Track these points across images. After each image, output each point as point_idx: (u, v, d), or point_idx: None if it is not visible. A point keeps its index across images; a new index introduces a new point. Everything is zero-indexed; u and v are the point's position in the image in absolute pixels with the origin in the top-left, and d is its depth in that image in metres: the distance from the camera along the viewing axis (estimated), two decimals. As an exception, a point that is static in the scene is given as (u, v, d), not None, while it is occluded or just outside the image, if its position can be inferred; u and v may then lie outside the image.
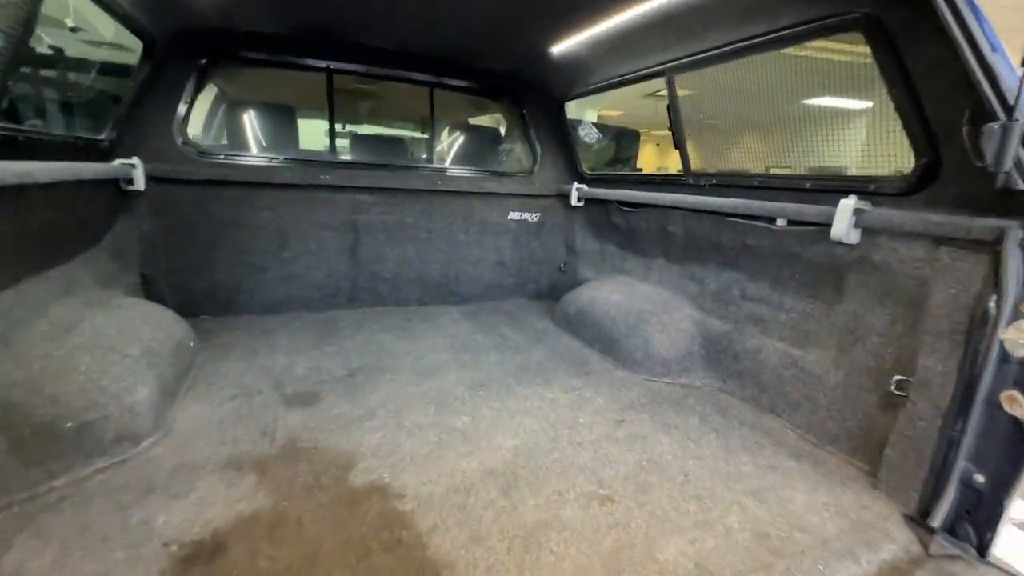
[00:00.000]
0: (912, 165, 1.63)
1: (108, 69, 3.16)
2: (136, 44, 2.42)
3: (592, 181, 3.53)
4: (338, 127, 3.79)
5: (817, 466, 1.73)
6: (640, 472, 1.65)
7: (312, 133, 4.00)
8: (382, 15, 2.55)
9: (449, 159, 3.76)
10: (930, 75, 1.47)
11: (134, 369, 1.74)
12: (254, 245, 3.01)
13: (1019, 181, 1.29)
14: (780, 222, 2.09)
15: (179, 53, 2.68)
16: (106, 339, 1.78)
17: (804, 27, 1.78)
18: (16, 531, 1.25)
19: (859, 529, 1.44)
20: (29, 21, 1.56)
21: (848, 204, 1.70)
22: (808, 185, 1.98)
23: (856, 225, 1.72)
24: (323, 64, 3.08)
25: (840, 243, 1.78)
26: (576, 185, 3.50)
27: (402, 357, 2.54)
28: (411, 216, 3.38)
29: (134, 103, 2.52)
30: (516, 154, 3.92)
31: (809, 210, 1.89)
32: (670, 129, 2.61)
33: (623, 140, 5.42)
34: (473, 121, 4.07)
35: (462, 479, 1.56)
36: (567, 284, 3.78)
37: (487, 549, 1.28)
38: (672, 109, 2.54)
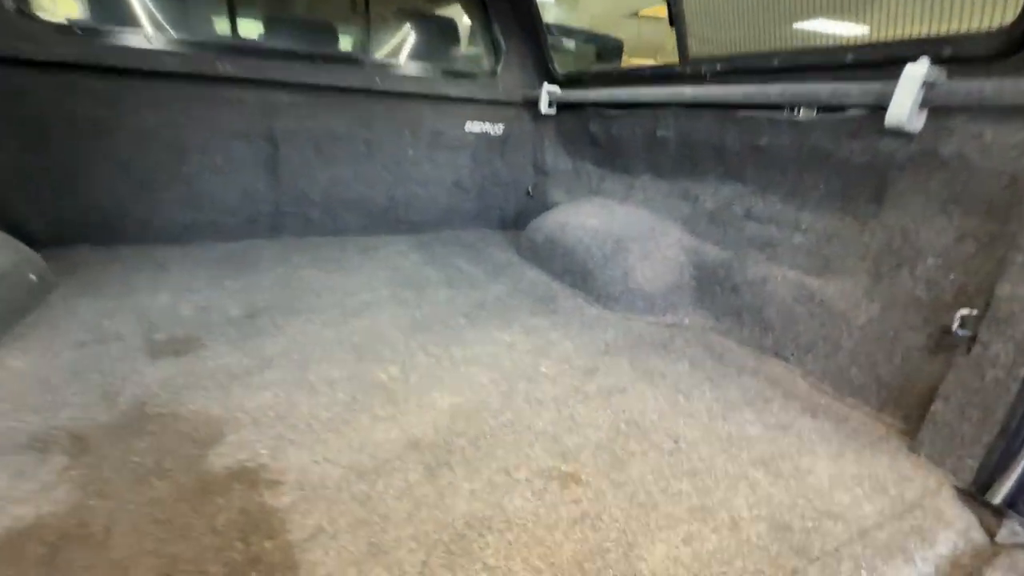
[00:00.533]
0: (1018, 12, 1.13)
1: None
2: None
3: (567, 83, 2.93)
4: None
5: (839, 424, 1.36)
6: (617, 438, 1.24)
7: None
8: None
9: (392, 53, 3.08)
10: None
11: None
12: (139, 157, 2.37)
13: None
14: (803, 112, 1.60)
15: None
16: None
17: None
18: None
19: (903, 511, 1.07)
20: None
21: (916, 72, 1.21)
22: (850, 58, 1.48)
23: (923, 104, 1.24)
24: None
25: (896, 132, 1.30)
26: (547, 87, 2.91)
27: (325, 294, 2.04)
28: (344, 124, 2.75)
29: None
30: (476, 50, 3.26)
31: (852, 89, 1.39)
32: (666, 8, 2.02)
33: (604, 47, 4.74)
34: (414, 6, 3.35)
35: (372, 455, 1.12)
36: (536, 211, 3.27)
37: (390, 567, 0.85)
38: (668, -32, 1.94)
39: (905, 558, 0.97)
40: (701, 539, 0.96)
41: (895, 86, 1.26)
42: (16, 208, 2.19)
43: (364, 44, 2.86)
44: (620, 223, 2.30)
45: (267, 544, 0.89)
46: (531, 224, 2.80)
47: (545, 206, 3.17)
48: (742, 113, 1.80)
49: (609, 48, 4.81)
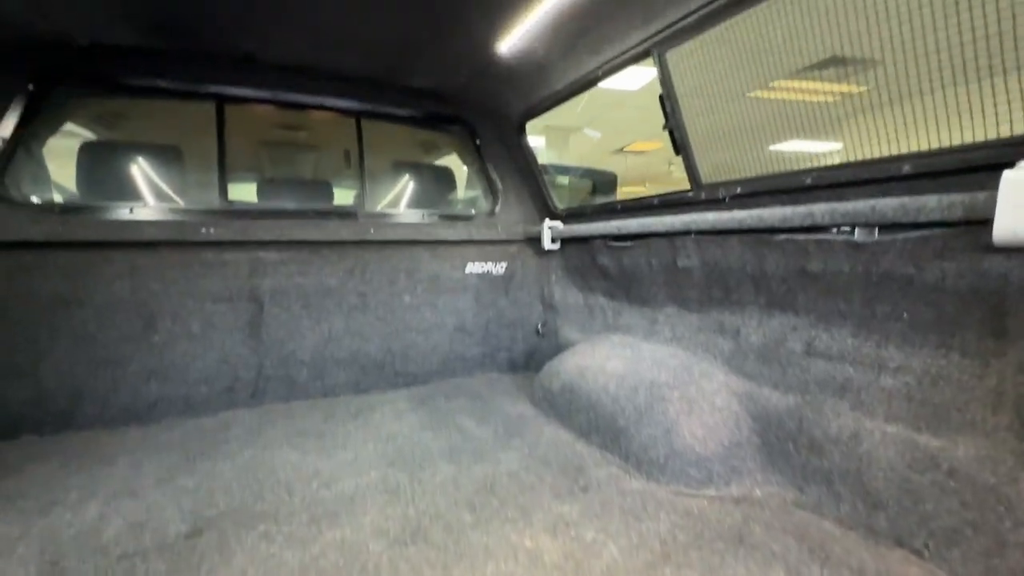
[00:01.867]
0: None
1: None
2: None
3: (568, 217, 2.81)
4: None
5: None
6: None
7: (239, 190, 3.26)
8: (277, 19, 1.90)
9: (387, 202, 3.04)
10: None
11: None
12: (104, 330, 2.14)
13: None
14: (860, 234, 1.34)
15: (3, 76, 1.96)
16: None
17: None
18: None
19: None
20: None
21: (1019, 178, 0.96)
22: (906, 168, 1.25)
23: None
24: (210, 90, 2.39)
25: (1008, 248, 1.02)
26: (548, 223, 2.78)
27: (298, 487, 1.63)
28: (336, 277, 2.57)
29: None
30: (472, 192, 3.23)
31: (928, 203, 1.14)
32: (666, 128, 1.92)
33: (600, 181, 4.84)
34: (408, 156, 3.41)
35: None
36: (548, 350, 2.96)
37: None
38: (667, 98, 1.85)
39: None
40: None
41: (987, 196, 1.01)
42: None
43: (359, 196, 2.81)
44: (649, 364, 1.96)
45: None
46: (545, 368, 2.47)
47: (558, 345, 2.86)
48: (780, 236, 1.55)
49: (604, 181, 4.93)
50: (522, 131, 2.80)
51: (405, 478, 1.68)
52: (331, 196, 2.86)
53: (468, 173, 3.30)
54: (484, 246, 2.93)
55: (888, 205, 1.23)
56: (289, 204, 2.58)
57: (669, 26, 1.68)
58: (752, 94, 1.70)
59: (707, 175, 1.88)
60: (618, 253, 2.34)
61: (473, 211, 3.07)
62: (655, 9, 1.65)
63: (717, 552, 1.26)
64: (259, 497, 1.57)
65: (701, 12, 1.56)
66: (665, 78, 1.81)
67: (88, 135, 2.58)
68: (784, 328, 1.64)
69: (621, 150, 10.41)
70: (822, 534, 1.32)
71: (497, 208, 3.01)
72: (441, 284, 2.83)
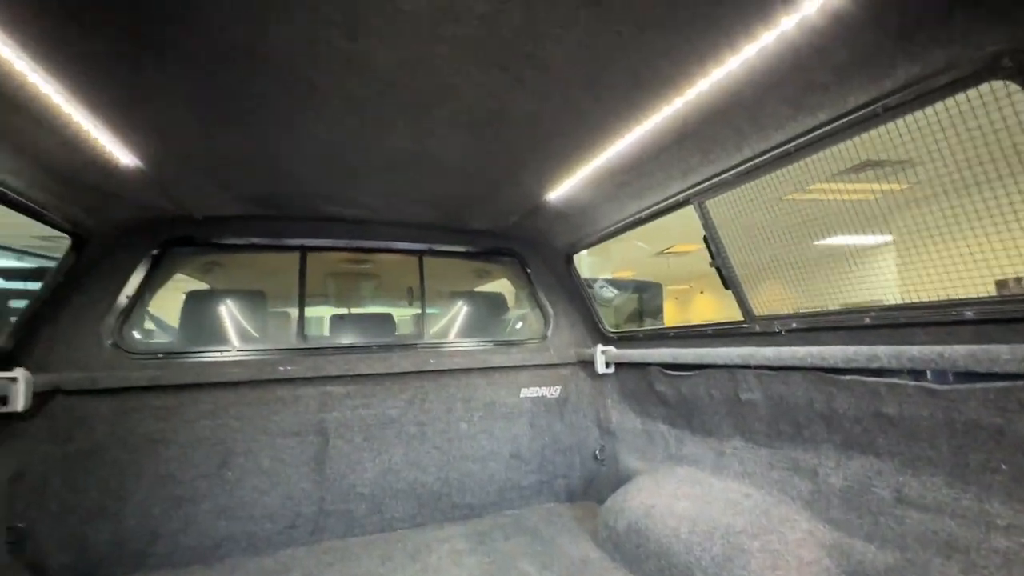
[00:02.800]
0: None
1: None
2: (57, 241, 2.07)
3: (620, 340, 2.85)
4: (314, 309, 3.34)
5: None
6: None
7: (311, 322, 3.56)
8: (354, 186, 2.23)
9: (444, 333, 3.20)
10: None
11: None
12: (185, 468, 2.27)
13: None
14: (934, 378, 1.31)
15: (123, 244, 2.34)
16: None
17: (897, 95, 1.25)
18: None
19: None
20: None
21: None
22: (970, 314, 1.25)
23: None
24: (295, 243, 2.73)
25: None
26: (601, 348, 2.82)
27: None
28: (397, 407, 2.66)
29: (46, 304, 2.08)
30: (524, 319, 3.36)
31: (1003, 352, 1.12)
32: (713, 265, 2.01)
33: (646, 293, 4.92)
34: (473, 288, 3.63)
35: None
36: (608, 477, 2.84)
37: None
38: (711, 240, 1.96)
39: None
40: None
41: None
42: (43, 542, 2.01)
43: (418, 328, 2.98)
44: (722, 506, 1.84)
45: None
46: (608, 503, 2.35)
47: (618, 472, 2.75)
48: (846, 376, 1.53)
49: (650, 291, 5.02)
50: (570, 261, 2.97)
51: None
52: (393, 327, 3.06)
53: (518, 297, 3.46)
54: (538, 370, 2.98)
55: (958, 352, 1.21)
56: (356, 338, 2.78)
57: (706, 180, 1.84)
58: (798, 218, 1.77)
59: (760, 307, 1.91)
60: (676, 381, 2.32)
61: (526, 336, 3.17)
62: (691, 165, 1.82)
63: None
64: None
65: (736, 170, 1.71)
66: (707, 223, 1.94)
67: (191, 286, 2.95)
68: (867, 471, 1.54)
69: (663, 252, 10.61)
70: None
71: (549, 332, 3.10)
72: (496, 410, 2.86)
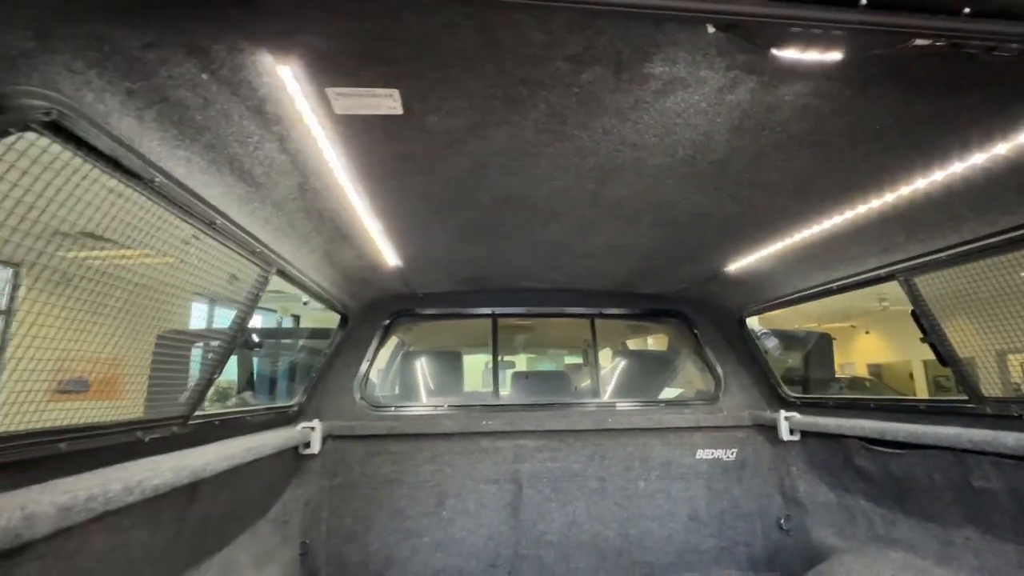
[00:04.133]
0: None
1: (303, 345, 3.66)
2: (333, 319, 2.73)
3: (804, 407, 2.78)
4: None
5: None
6: None
7: (472, 368, 4.05)
8: (544, 262, 2.60)
9: (618, 391, 3.39)
10: None
11: None
12: (412, 505, 2.73)
13: None
14: None
15: (367, 319, 2.97)
16: None
17: None
18: None
19: None
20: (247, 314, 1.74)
21: None
22: None
23: None
24: (488, 311, 3.18)
25: None
26: (784, 414, 2.78)
27: None
28: (579, 462, 2.90)
29: (325, 368, 2.72)
30: (693, 379, 3.41)
31: None
32: (924, 340, 1.94)
33: (812, 347, 4.61)
34: (634, 345, 3.79)
35: None
36: (796, 551, 2.72)
37: None
38: (922, 316, 1.91)
39: None
40: None
41: None
42: (318, 558, 2.57)
43: (594, 387, 3.22)
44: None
45: None
46: (809, 581, 2.28)
47: (808, 545, 2.63)
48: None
49: (819, 344, 4.68)
50: (743, 323, 3.00)
51: None
52: (570, 385, 3.34)
53: (682, 356, 3.54)
54: (711, 432, 3.00)
55: None
56: (539, 398, 3.11)
57: (915, 258, 1.83)
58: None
59: (990, 387, 1.80)
60: (882, 458, 2.21)
61: (696, 397, 3.23)
62: (895, 243, 1.83)
63: None
64: None
65: (952, 251, 1.70)
66: (916, 299, 1.90)
67: (405, 348, 3.57)
68: None
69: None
70: None
71: (721, 394, 3.12)
72: (672, 470, 2.94)
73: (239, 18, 0.82)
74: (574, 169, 1.43)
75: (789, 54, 0.88)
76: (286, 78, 0.97)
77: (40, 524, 0.89)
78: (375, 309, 2.99)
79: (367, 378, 2.94)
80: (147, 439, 1.39)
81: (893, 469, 2.18)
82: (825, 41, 0.84)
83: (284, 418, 2.44)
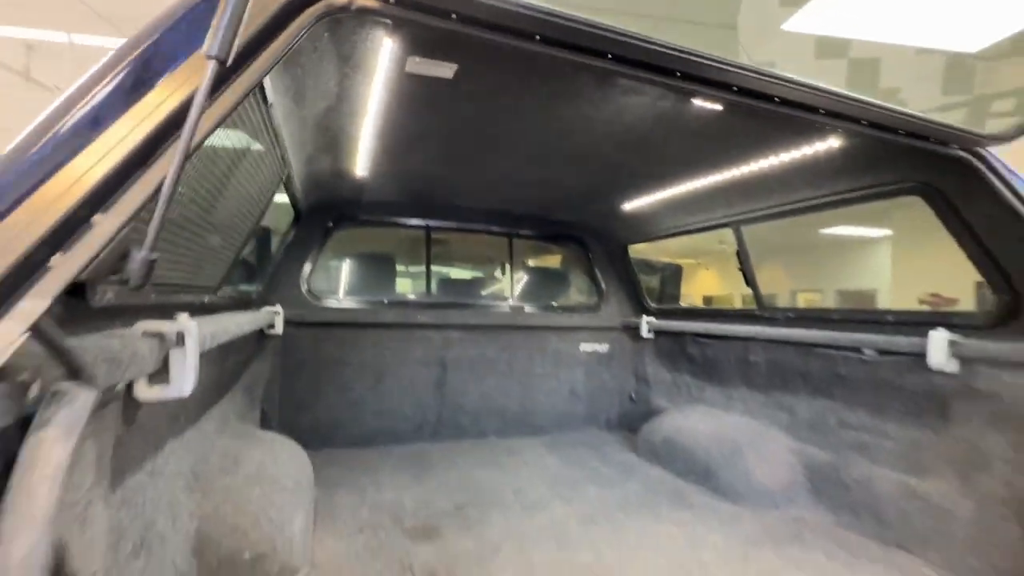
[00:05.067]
0: (991, 302, 1.83)
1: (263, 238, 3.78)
2: (289, 215, 2.98)
3: (659, 314, 3.79)
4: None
5: None
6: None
7: (409, 272, 4.51)
8: (474, 183, 3.09)
9: (525, 297, 4.14)
10: (995, 227, 1.74)
11: (291, 501, 1.87)
12: (355, 381, 3.26)
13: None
14: (869, 353, 2.25)
15: (315, 220, 3.24)
16: (268, 472, 1.95)
17: (864, 191, 2.14)
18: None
19: None
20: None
21: (941, 336, 1.88)
22: (891, 318, 2.19)
23: (954, 356, 1.87)
24: (423, 223, 3.63)
25: (939, 372, 1.91)
26: (646, 318, 3.77)
27: (503, 490, 2.59)
28: (492, 351, 3.64)
29: (281, 261, 3.00)
30: (583, 291, 4.29)
31: (900, 341, 2.06)
32: (740, 270, 2.92)
33: (668, 273, 5.82)
34: (540, 263, 4.53)
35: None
36: (638, 413, 3.84)
37: None
38: (742, 254, 2.88)
39: None
40: None
41: (928, 342, 1.92)
42: (273, 422, 3.02)
43: (508, 293, 3.92)
44: (731, 429, 2.83)
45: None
46: (646, 427, 3.36)
47: (648, 409, 3.75)
48: (819, 350, 2.47)
49: (672, 272, 5.94)
50: (626, 252, 3.88)
51: (569, 492, 2.60)
52: (489, 290, 4.00)
53: (576, 273, 4.38)
54: (592, 331, 3.93)
55: (879, 340, 2.14)
56: (465, 299, 3.72)
57: (744, 213, 2.73)
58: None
59: (768, 300, 2.84)
60: (703, 347, 3.28)
61: (583, 304, 4.12)
62: (735, 201, 2.70)
63: (782, 544, 2.10)
64: (483, 495, 2.53)
65: (769, 210, 2.60)
66: (740, 243, 2.84)
67: (346, 251, 3.86)
68: (824, 409, 2.51)
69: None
70: (849, 539, 2.13)
71: (602, 303, 4.04)
72: (561, 359, 3.84)
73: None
74: (543, 126, 1.96)
75: (697, 101, 1.50)
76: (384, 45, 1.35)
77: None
78: (323, 211, 3.26)
79: (312, 274, 3.27)
80: (196, 301, 1.72)
81: (708, 354, 3.26)
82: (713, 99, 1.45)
83: (249, 302, 2.74)
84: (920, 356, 1.97)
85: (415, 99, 1.76)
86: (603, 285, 4.08)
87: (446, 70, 1.45)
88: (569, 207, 3.48)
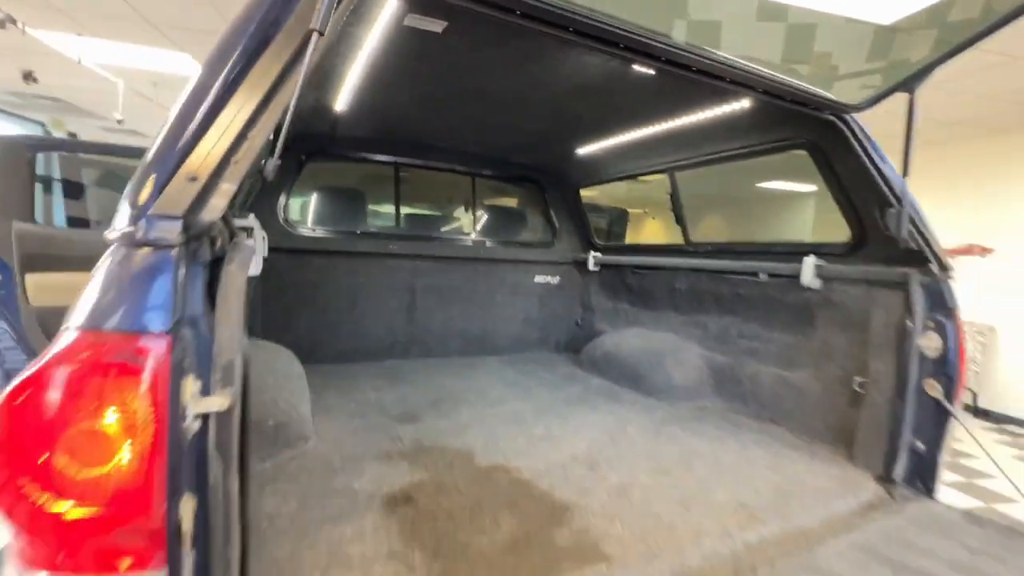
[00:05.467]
0: (848, 235, 2.41)
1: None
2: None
3: (605, 250, 4.30)
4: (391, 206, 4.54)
5: (812, 454, 2.33)
6: (686, 458, 2.22)
7: (383, 207, 4.74)
8: (444, 125, 3.37)
9: (487, 232, 4.52)
10: (853, 178, 2.28)
11: (298, 387, 2.26)
12: (331, 305, 3.59)
13: (912, 244, 2.05)
14: (763, 276, 2.83)
15: (291, 153, 3.42)
16: (273, 367, 2.32)
17: (768, 145, 2.63)
18: (259, 492, 1.73)
19: (845, 485, 2.03)
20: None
21: (810, 261, 2.46)
22: (779, 249, 2.76)
23: (818, 276, 2.47)
24: (392, 159, 3.87)
25: (808, 289, 2.51)
26: (593, 253, 4.27)
27: (468, 392, 3.09)
28: (458, 280, 4.04)
29: (260, 191, 3.20)
30: (539, 229, 4.71)
31: (783, 267, 2.64)
32: (672, 210, 3.42)
33: (616, 216, 6.35)
34: (501, 203, 4.89)
35: (557, 462, 2.10)
36: (583, 337, 4.42)
37: (592, 497, 1.81)
38: (674, 197, 3.37)
39: (844, 500, 1.91)
40: (741, 492, 1.91)
41: (802, 266, 2.50)
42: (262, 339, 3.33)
43: (472, 228, 4.29)
44: (657, 343, 3.43)
45: (532, 490, 1.85)
46: (589, 346, 3.93)
47: (591, 333, 4.33)
48: (727, 276, 3.05)
49: (619, 215, 6.47)
50: (578, 193, 4.30)
51: (522, 393, 3.13)
52: (455, 225, 4.35)
53: (533, 212, 4.78)
54: (546, 265, 4.40)
55: (769, 265, 2.72)
56: (432, 232, 4.05)
57: (678, 161, 3.19)
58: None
59: (693, 236, 3.38)
60: (640, 278, 3.83)
61: (539, 241, 4.56)
62: (669, 151, 3.16)
63: (688, 422, 2.72)
64: (451, 394, 3.01)
65: (697, 159, 3.07)
66: (674, 186, 3.32)
67: (320, 184, 4.03)
68: (728, 324, 3.12)
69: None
70: (738, 419, 2.79)
71: (555, 239, 4.49)
72: (518, 289, 4.30)
73: None
74: (513, 78, 2.28)
75: (635, 67, 1.87)
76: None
77: None
78: (299, 144, 3.44)
79: (289, 204, 3.49)
80: None
81: (643, 284, 3.82)
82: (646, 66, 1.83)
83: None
84: (797, 278, 2.55)
85: (404, 46, 2.02)
86: (556, 224, 4.51)
87: (437, 26, 1.75)
88: (529, 151, 3.83)
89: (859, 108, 2.07)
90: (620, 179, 3.84)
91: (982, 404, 7.38)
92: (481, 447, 2.22)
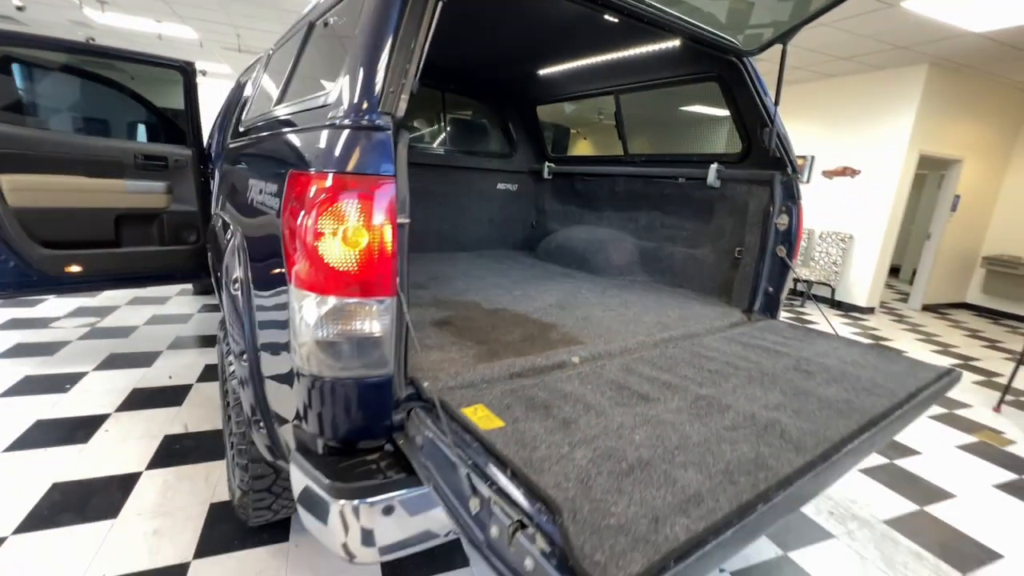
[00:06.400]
0: (740, 148, 3.36)
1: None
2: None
3: (557, 161, 5.06)
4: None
5: (704, 302, 3.42)
6: (623, 304, 3.21)
7: None
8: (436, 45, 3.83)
9: (456, 143, 5.08)
10: (745, 104, 3.17)
11: None
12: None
13: (776, 154, 3.02)
14: (681, 180, 3.77)
15: None
16: None
17: (692, 76, 3.44)
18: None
19: (723, 314, 3.12)
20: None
21: (714, 167, 3.41)
22: (694, 160, 3.69)
23: (718, 178, 3.43)
24: None
25: (711, 188, 3.48)
26: (547, 163, 5.02)
27: (455, 272, 3.88)
28: (432, 186, 4.66)
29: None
30: (500, 141, 5.34)
31: (696, 172, 3.58)
32: (616, 128, 4.21)
33: (558, 132, 7.04)
34: (468, 117, 5.41)
35: (538, 307, 3.00)
36: (537, 236, 5.29)
37: (567, 321, 2.74)
38: (618, 116, 4.14)
39: (722, 320, 3.00)
40: (659, 315, 2.93)
41: (708, 171, 3.44)
42: None
43: (443, 140, 4.84)
44: (600, 236, 4.36)
45: (533, 319, 2.74)
46: (544, 241, 4.80)
47: (545, 232, 5.20)
48: (656, 180, 3.96)
49: (564, 131, 7.18)
50: (535, 110, 4.93)
51: (497, 272, 3.97)
52: (427, 137, 4.88)
53: (494, 126, 5.37)
54: (506, 174, 5.10)
55: (686, 170, 3.65)
56: (412, 141, 4.57)
57: (621, 84, 3.93)
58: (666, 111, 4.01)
59: (632, 149, 4.22)
60: (587, 183, 4.67)
61: (500, 152, 5.20)
62: (616, 76, 3.88)
63: (622, 288, 3.72)
64: (440, 272, 3.79)
65: (637, 84, 3.82)
66: (618, 107, 4.08)
67: None
68: (654, 218, 4.09)
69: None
70: (659, 287, 3.84)
71: (513, 151, 5.16)
72: (483, 196, 5.00)
73: None
74: (488, 6, 2.85)
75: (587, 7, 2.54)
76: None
77: None
78: None
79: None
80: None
81: (590, 188, 4.67)
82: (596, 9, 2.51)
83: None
84: (704, 180, 3.50)
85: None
86: (515, 137, 5.16)
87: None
88: (496, 68, 4.37)
89: (751, 53, 2.91)
90: (572, 98, 4.53)
91: (838, 297, 9.38)
92: (483, 300, 3.06)
